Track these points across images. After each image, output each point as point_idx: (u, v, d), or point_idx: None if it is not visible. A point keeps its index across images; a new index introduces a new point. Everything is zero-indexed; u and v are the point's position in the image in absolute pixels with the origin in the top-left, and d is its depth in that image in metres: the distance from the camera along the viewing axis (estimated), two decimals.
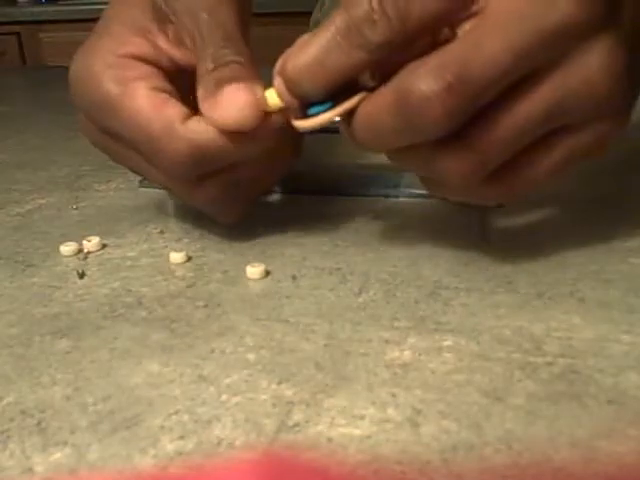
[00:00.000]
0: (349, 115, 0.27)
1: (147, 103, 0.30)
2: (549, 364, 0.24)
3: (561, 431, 0.21)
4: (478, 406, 0.22)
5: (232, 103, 0.29)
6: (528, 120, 0.26)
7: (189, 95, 0.31)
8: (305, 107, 0.28)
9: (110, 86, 0.31)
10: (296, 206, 0.40)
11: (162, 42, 0.33)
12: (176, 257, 0.33)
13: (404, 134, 0.26)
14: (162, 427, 0.22)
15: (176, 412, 0.23)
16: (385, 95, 0.26)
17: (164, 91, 0.31)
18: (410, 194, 0.39)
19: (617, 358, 0.24)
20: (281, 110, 0.29)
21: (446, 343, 0.26)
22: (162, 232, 0.37)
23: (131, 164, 0.34)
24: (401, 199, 0.39)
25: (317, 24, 0.71)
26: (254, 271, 0.31)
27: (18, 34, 2.08)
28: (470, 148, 0.26)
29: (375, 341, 0.26)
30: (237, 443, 0.21)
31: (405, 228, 0.36)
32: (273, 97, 0.29)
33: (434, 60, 0.25)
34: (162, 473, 0.20)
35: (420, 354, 0.25)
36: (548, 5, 0.24)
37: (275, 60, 0.29)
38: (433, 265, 0.32)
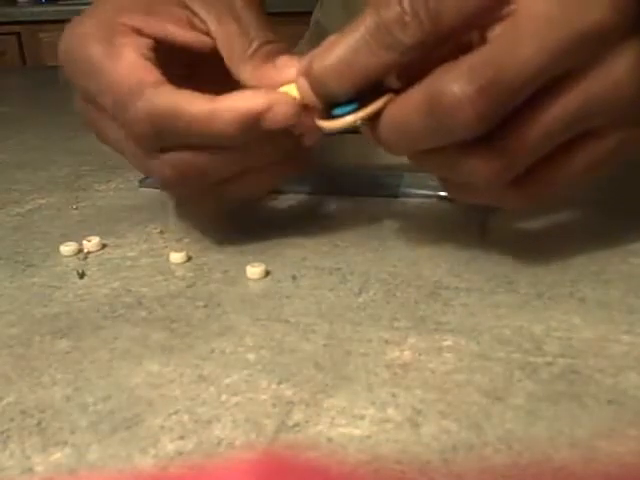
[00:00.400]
0: (374, 117, 0.27)
1: (127, 65, 0.30)
2: (549, 364, 0.24)
3: (561, 431, 0.21)
4: (478, 406, 0.22)
5: (287, 68, 0.30)
6: (557, 123, 0.25)
7: (175, 75, 0.31)
8: (329, 107, 0.28)
9: (97, 46, 0.31)
10: (296, 206, 0.40)
11: (165, 20, 0.33)
12: (176, 257, 0.33)
13: (433, 136, 0.26)
14: (162, 427, 0.22)
15: (176, 412, 0.23)
16: (415, 96, 0.26)
17: (149, 60, 0.31)
18: (410, 194, 0.39)
19: (617, 358, 0.24)
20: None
21: (446, 343, 0.26)
22: (162, 232, 0.37)
23: (106, 132, 0.33)
24: (401, 199, 0.39)
25: (317, 24, 0.71)
26: (254, 271, 0.31)
27: (18, 34, 2.08)
28: (498, 151, 0.26)
29: (375, 341, 0.26)
30: (237, 443, 0.21)
31: (405, 228, 0.36)
32: (292, 93, 0.29)
33: (466, 62, 0.25)
34: (162, 473, 0.20)
35: (420, 354, 0.25)
36: (581, 8, 0.24)
37: None
38: (433, 265, 0.32)
